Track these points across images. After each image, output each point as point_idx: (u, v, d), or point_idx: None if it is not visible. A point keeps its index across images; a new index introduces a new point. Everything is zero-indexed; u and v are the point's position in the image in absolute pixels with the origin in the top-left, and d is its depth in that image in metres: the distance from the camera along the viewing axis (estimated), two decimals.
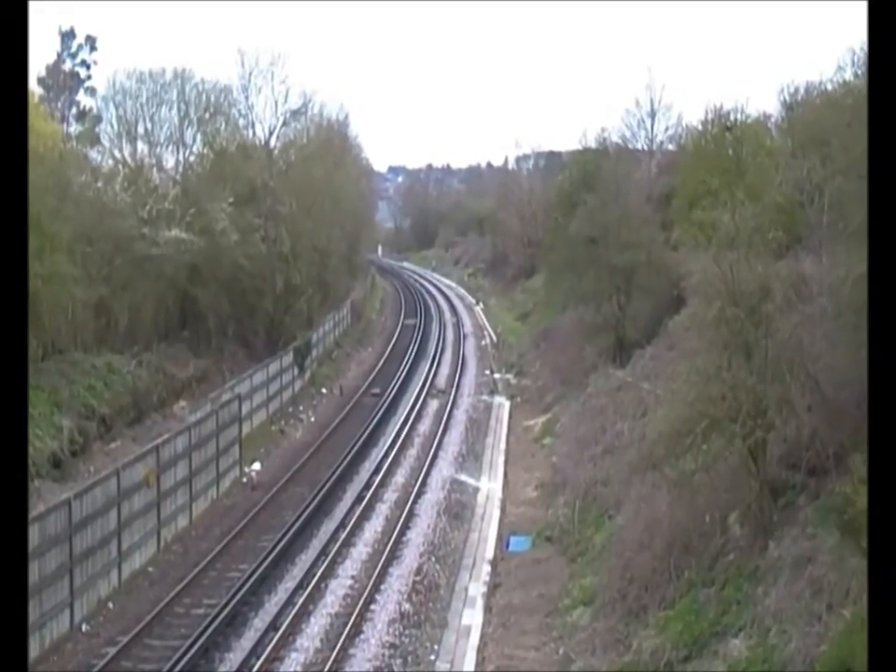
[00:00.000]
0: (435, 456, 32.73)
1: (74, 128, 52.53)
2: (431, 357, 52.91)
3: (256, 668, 17.88)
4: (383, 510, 27.57)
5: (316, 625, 19.94)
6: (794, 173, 29.06)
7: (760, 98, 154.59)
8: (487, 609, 21.16)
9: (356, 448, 33.50)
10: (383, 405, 40.40)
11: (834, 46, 69.10)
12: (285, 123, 51.37)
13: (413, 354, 54.01)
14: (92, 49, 57.17)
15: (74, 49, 56.93)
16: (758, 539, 16.22)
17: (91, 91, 55.39)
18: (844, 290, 16.48)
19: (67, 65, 56.63)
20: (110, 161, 44.61)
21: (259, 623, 20.05)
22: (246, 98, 49.23)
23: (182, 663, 17.89)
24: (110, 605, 21.35)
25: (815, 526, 15.12)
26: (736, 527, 17.02)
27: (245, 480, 30.93)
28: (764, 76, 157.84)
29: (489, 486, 30.50)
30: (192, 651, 18.31)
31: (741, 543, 16.64)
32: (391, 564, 23.14)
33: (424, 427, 37.58)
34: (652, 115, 53.56)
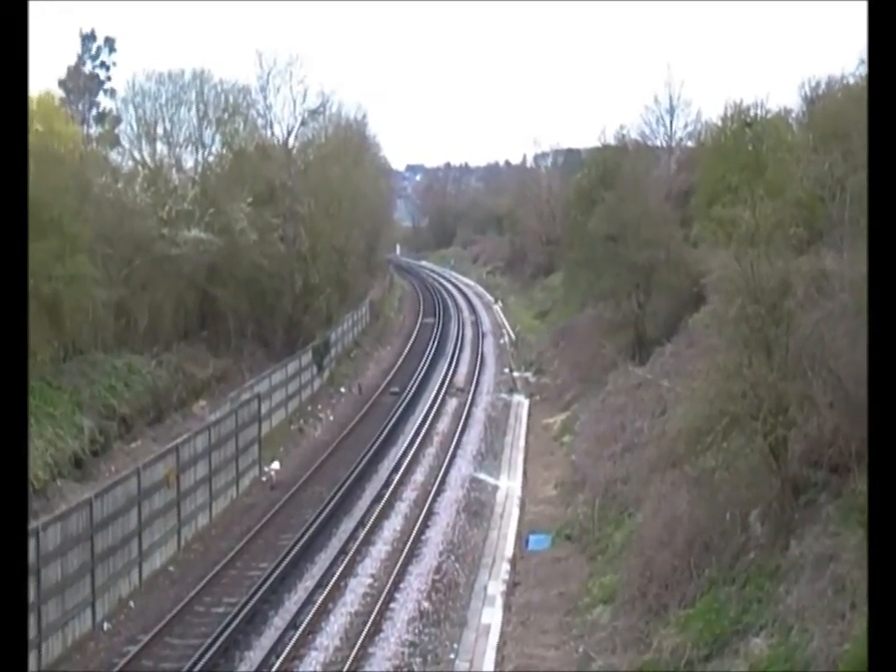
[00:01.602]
0: (454, 455, 32.70)
1: (94, 129, 52.88)
2: (450, 356, 52.88)
3: (276, 667, 17.91)
4: (402, 508, 27.57)
5: (336, 624, 19.96)
6: (815, 168, 28.85)
7: (780, 93, 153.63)
8: (507, 607, 21.11)
9: (375, 447, 33.52)
10: (402, 404, 40.41)
11: (856, 39, 68.49)
12: (303, 123, 51.61)
13: (432, 352, 53.99)
14: (112, 50, 57.57)
15: (94, 50, 57.31)
16: (779, 537, 16.08)
17: (111, 93, 55.74)
18: (865, 286, 16.29)
19: (87, 67, 57.03)
20: (130, 162, 44.99)
21: (279, 621, 20.09)
22: (265, 98, 49.56)
23: (202, 661, 17.95)
24: (131, 604, 21.46)
25: (837, 524, 14.97)
26: (757, 525, 16.89)
27: (264, 479, 31.01)
28: (785, 70, 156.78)
29: (508, 485, 30.45)
30: (213, 649, 18.37)
31: (762, 541, 16.51)
32: (410, 562, 23.13)
33: (443, 425, 37.56)
34: (671, 111, 53.37)
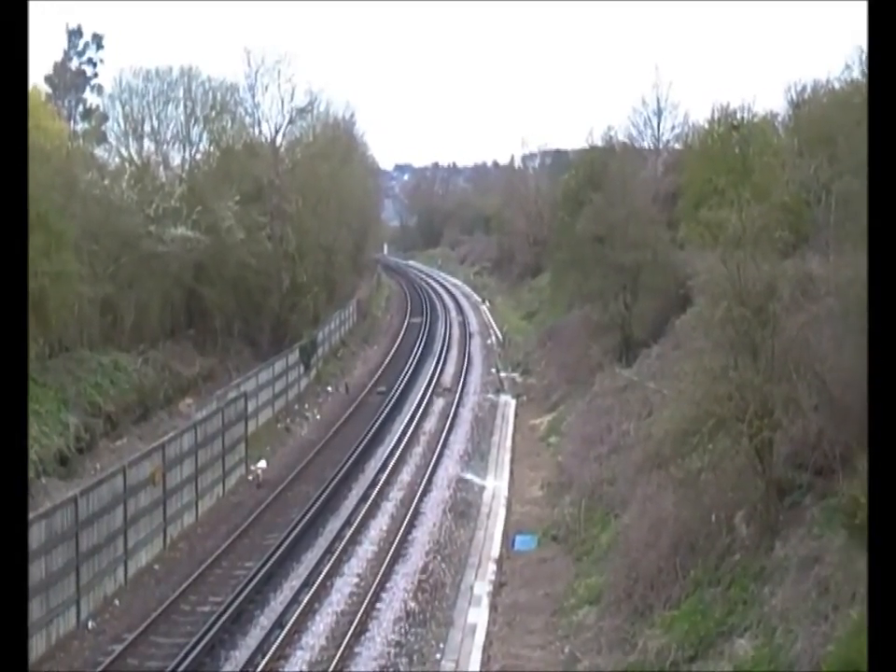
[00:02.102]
0: (441, 455, 32.72)
1: (80, 126, 52.62)
2: (437, 356, 52.90)
3: (261, 666, 17.89)
4: (388, 508, 27.58)
5: (322, 623, 19.96)
6: (801, 172, 29.06)
7: (766, 97, 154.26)
8: (493, 607, 21.16)
9: (361, 446, 33.52)
10: (388, 403, 40.41)
11: (842, 44, 68.93)
12: (291, 121, 51.50)
13: (419, 352, 54.01)
14: (99, 47, 57.29)
15: (80, 47, 57.03)
16: (764, 538, 16.19)
17: (98, 90, 55.50)
18: (851, 290, 16.41)
19: (74, 64, 56.75)
20: (117, 159, 44.80)
21: (265, 620, 20.07)
22: (253, 96, 49.43)
23: (188, 660, 17.91)
24: (116, 602, 21.39)
25: (821, 526, 15.08)
26: (743, 527, 16.99)
27: (250, 477, 30.96)
28: (771, 74, 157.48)
29: (495, 485, 30.50)
30: (198, 648, 18.33)
31: (747, 543, 16.60)
32: (397, 562, 23.15)
33: (430, 425, 37.59)
34: (659, 113, 53.59)
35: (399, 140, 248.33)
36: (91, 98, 56.19)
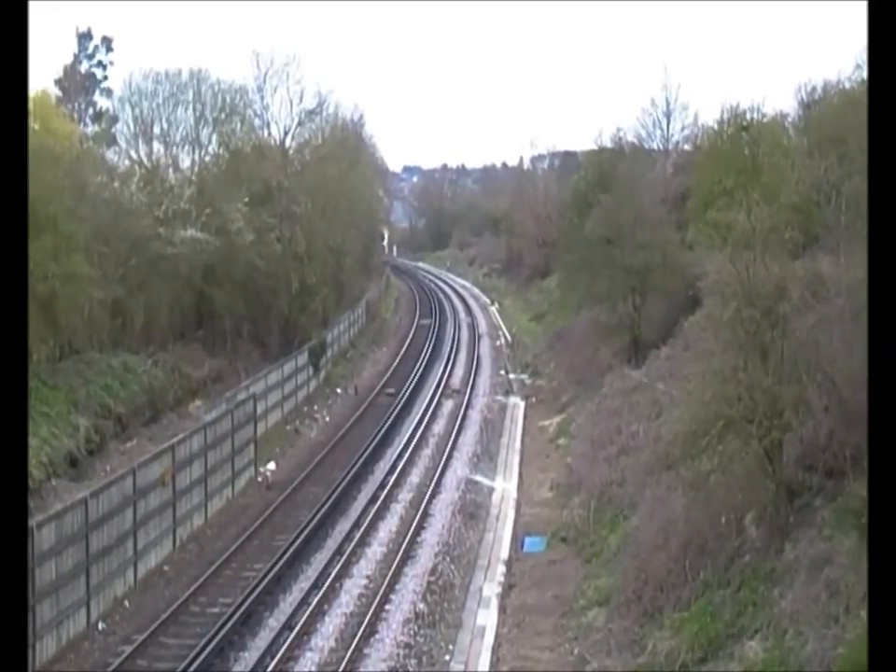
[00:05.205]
0: (450, 456, 32.71)
1: (90, 128, 52.84)
2: (446, 358, 52.89)
3: (271, 668, 17.91)
4: (397, 509, 27.58)
5: (331, 625, 19.96)
6: (811, 172, 28.97)
7: (776, 97, 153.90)
8: (502, 609, 21.14)
9: (370, 448, 33.53)
10: (397, 405, 40.41)
11: (852, 44, 68.65)
12: (300, 123, 51.64)
13: (428, 354, 54.00)
14: (109, 49, 57.62)
15: (90, 49, 57.34)
16: (774, 540, 16.13)
17: (108, 92, 55.80)
18: (861, 290, 16.34)
19: (84, 66, 57.02)
20: (126, 162, 44.94)
21: (274, 622, 20.09)
22: (262, 98, 49.59)
23: (197, 662, 17.94)
24: (126, 603, 21.44)
25: (832, 528, 15.03)
26: (752, 529, 16.94)
27: (260, 479, 31.00)
28: (781, 74, 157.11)
29: (504, 486, 30.47)
30: (207, 650, 18.36)
31: (757, 545, 16.56)
32: (406, 563, 23.14)
33: (439, 426, 37.57)
34: (668, 114, 53.53)
35: (408, 142, 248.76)
36: (100, 101, 56.56)
